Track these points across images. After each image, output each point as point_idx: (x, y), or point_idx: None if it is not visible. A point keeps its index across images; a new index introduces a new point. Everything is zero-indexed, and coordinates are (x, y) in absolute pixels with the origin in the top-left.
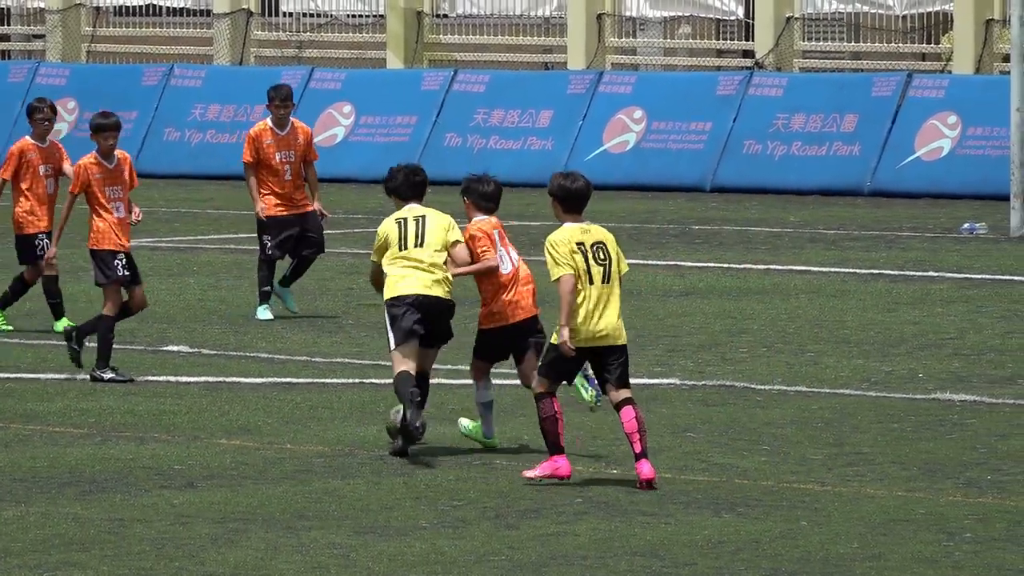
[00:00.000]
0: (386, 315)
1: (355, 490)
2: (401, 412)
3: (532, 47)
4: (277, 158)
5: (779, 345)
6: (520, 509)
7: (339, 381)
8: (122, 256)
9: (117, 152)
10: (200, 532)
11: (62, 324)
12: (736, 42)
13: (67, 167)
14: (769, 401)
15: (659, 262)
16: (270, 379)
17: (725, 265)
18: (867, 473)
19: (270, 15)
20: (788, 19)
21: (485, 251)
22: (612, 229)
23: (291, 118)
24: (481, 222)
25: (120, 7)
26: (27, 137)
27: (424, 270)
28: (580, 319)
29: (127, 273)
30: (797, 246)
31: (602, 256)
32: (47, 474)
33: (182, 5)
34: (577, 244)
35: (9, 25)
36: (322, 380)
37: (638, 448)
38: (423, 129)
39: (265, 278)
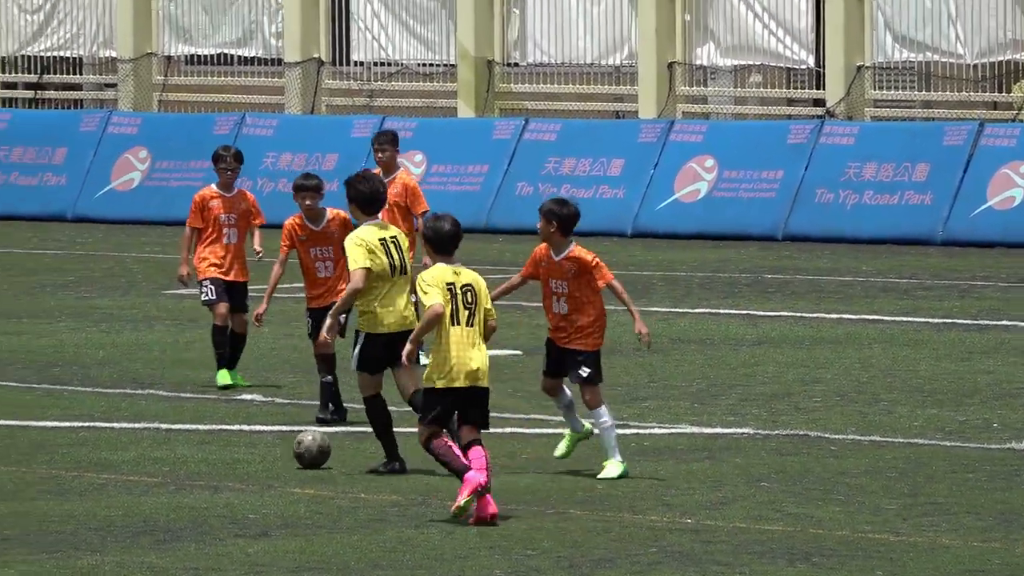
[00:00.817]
0: (360, 339)
1: (429, 539)
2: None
3: (603, 96)
4: None
5: (852, 395)
6: (594, 559)
7: (412, 430)
8: (314, 314)
9: (331, 212)
10: None
11: (223, 376)
12: (807, 91)
13: (256, 220)
14: (843, 451)
15: (731, 311)
16: (343, 428)
17: (798, 314)
18: (942, 523)
19: (341, 64)
20: (859, 68)
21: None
22: (683, 278)
23: (400, 167)
24: (587, 251)
25: (192, 56)
26: (212, 185)
27: (403, 308)
28: (452, 360)
29: (309, 333)
30: (870, 295)
31: (469, 299)
32: (122, 523)
33: (253, 54)
34: (447, 284)
35: (81, 74)
36: (395, 429)
37: (464, 461)
38: (495, 178)
39: None
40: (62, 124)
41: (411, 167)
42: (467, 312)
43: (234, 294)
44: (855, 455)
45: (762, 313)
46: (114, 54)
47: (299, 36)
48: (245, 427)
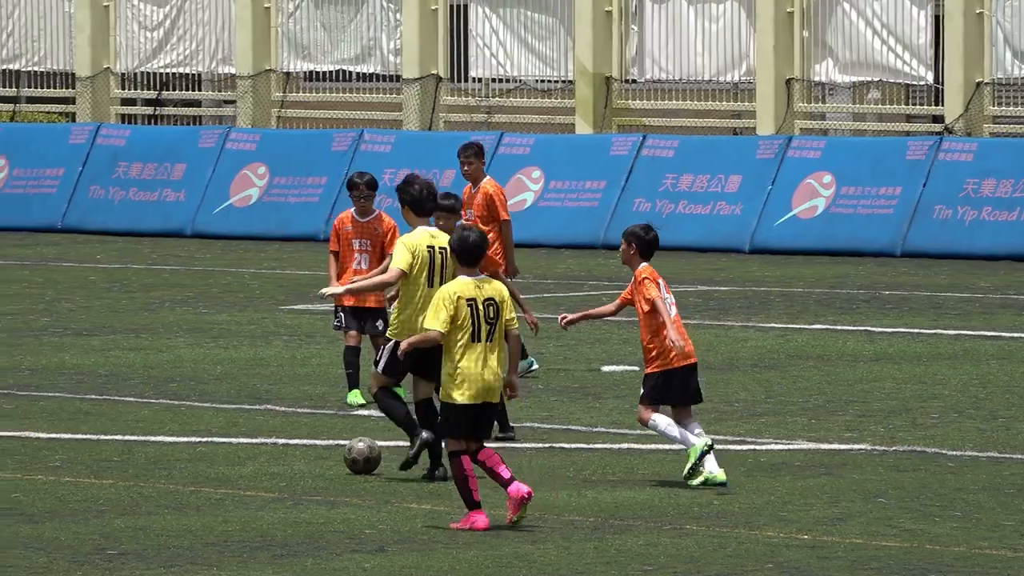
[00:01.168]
0: (390, 344)
1: (545, 555)
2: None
3: (721, 112)
4: (466, 216)
5: (970, 411)
6: (710, 574)
7: (528, 446)
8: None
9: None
10: None
11: (354, 396)
12: (925, 107)
13: (390, 247)
14: (961, 467)
15: (849, 327)
16: None
17: (915, 330)
18: None
19: (459, 81)
20: (978, 84)
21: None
22: (801, 294)
23: (484, 178)
24: (648, 269)
25: (310, 73)
26: (351, 209)
27: None
28: (472, 376)
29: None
30: (988, 311)
31: (491, 314)
32: (239, 538)
33: (372, 71)
34: (468, 300)
35: (200, 91)
36: (512, 445)
37: (507, 474)
38: (612, 194)
39: None
40: (181, 140)
41: (529, 183)
42: (488, 327)
43: (367, 319)
44: (972, 471)
45: (879, 329)
46: (233, 71)
47: (417, 52)
48: None
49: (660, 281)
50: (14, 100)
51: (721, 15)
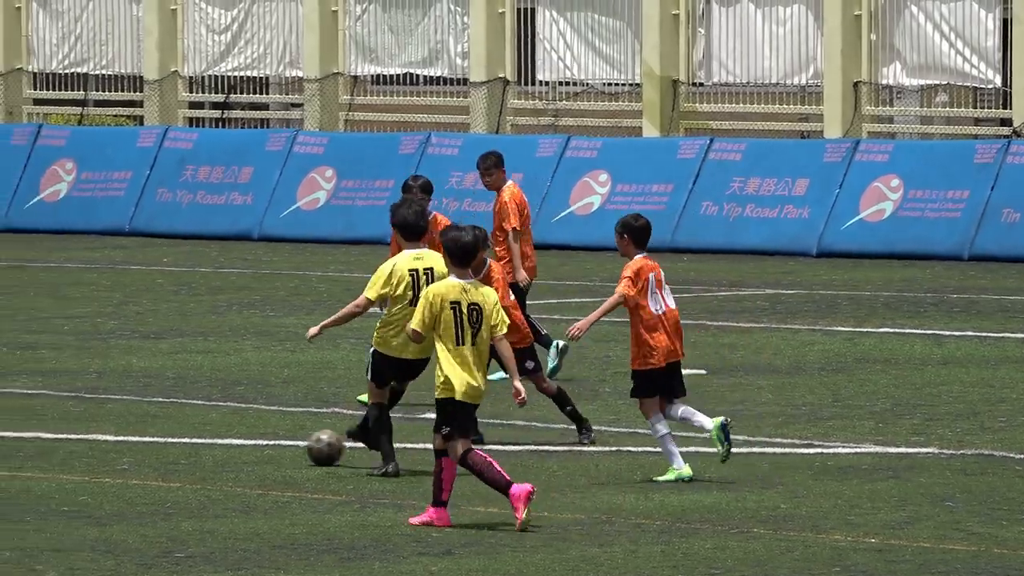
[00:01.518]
0: (371, 357)
1: (612, 558)
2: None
3: (788, 115)
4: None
5: None
6: None
7: (596, 449)
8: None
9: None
10: None
11: None
12: (993, 110)
13: None
14: None
15: (916, 331)
16: (527, 447)
17: (983, 334)
18: None
19: (526, 84)
20: None
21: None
22: (868, 298)
23: (504, 184)
24: (637, 264)
25: (377, 76)
26: None
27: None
28: (460, 377)
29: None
30: None
31: (474, 319)
32: (306, 541)
33: (439, 74)
34: (452, 303)
35: (267, 94)
36: (579, 448)
37: (507, 477)
38: (679, 197)
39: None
40: (248, 143)
41: (595, 187)
42: (472, 331)
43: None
44: None
45: (947, 332)
46: (300, 74)
47: (484, 56)
48: (429, 446)
49: (652, 276)
50: (82, 103)
51: (788, 18)
